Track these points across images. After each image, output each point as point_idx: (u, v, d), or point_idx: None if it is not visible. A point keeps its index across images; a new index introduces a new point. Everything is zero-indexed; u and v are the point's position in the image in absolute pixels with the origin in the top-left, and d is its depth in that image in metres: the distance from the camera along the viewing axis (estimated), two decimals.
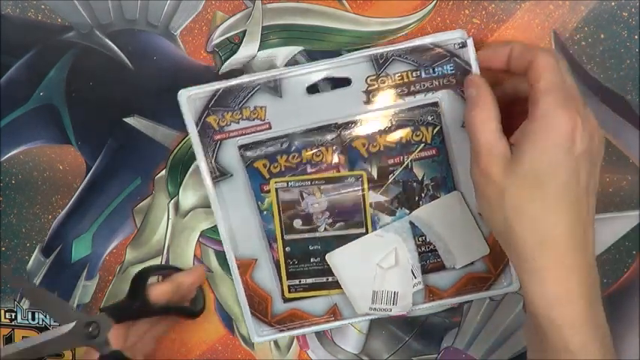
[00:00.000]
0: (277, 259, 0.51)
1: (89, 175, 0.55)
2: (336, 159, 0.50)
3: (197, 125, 0.49)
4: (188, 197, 0.54)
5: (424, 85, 0.48)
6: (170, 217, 0.55)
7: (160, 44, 0.53)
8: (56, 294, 0.56)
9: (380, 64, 0.48)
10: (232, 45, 0.52)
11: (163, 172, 0.54)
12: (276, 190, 0.50)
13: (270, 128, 0.49)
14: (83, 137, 0.55)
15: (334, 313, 0.52)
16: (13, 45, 0.53)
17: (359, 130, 0.49)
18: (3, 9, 0.53)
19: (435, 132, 0.49)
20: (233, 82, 0.49)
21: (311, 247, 0.51)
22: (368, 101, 0.49)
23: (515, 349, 0.55)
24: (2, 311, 0.57)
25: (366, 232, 0.50)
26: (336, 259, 0.50)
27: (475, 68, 0.47)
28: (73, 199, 0.55)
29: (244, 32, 0.52)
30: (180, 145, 0.54)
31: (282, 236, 0.51)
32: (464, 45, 0.47)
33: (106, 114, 0.54)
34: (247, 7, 0.52)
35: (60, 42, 0.53)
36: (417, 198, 0.50)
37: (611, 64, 0.51)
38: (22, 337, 0.57)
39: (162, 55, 0.53)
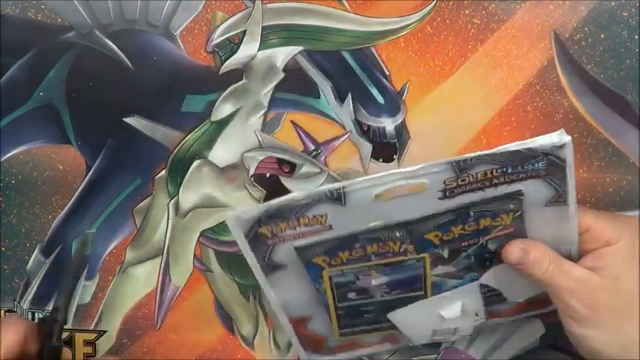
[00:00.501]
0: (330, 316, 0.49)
1: (89, 175, 0.55)
2: (403, 249, 0.45)
3: (247, 237, 0.44)
4: (188, 197, 0.54)
5: (508, 178, 0.43)
6: (170, 217, 0.55)
7: (160, 44, 0.53)
8: (56, 294, 0.56)
9: (461, 168, 0.42)
10: (232, 45, 0.52)
11: (163, 172, 0.54)
12: (330, 277, 0.46)
13: (330, 229, 0.44)
14: (83, 137, 0.55)
15: (389, 339, 0.52)
16: (13, 45, 0.53)
17: (431, 226, 0.44)
18: (3, 9, 0.53)
19: (515, 216, 0.44)
20: (287, 198, 0.42)
21: (364, 308, 0.49)
22: (444, 197, 0.43)
23: (515, 349, 0.55)
24: (2, 311, 0.57)
25: (425, 294, 0.48)
26: (399, 316, 0.49)
27: (570, 161, 0.42)
28: (73, 199, 0.55)
29: (244, 32, 0.52)
30: (181, 145, 0.54)
31: (335, 304, 0.48)
32: (564, 145, 0.41)
33: (106, 114, 0.54)
34: (247, 7, 0.52)
35: (60, 42, 0.53)
36: (487, 264, 0.47)
37: (611, 64, 0.51)
38: None
39: (162, 55, 0.53)
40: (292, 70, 0.52)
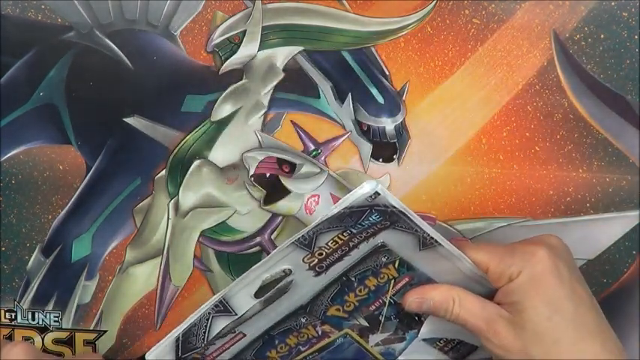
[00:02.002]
0: None
1: (89, 175, 0.55)
2: (320, 331, 0.48)
3: None
4: (188, 197, 0.54)
5: (361, 236, 0.43)
6: (170, 217, 0.55)
7: (159, 44, 0.53)
8: (56, 294, 0.56)
9: (306, 244, 0.43)
10: (232, 45, 0.52)
11: (163, 172, 0.54)
12: None
13: (244, 336, 0.47)
14: (83, 137, 0.55)
15: None
16: (13, 45, 0.53)
17: (325, 301, 0.46)
18: (3, 9, 0.53)
19: (396, 265, 0.45)
20: (185, 325, 0.45)
21: None
22: (317, 274, 0.44)
23: None
24: (2, 311, 0.57)
25: None
26: None
27: (398, 205, 0.41)
28: (73, 199, 0.55)
29: (244, 32, 0.52)
30: (180, 145, 0.54)
31: None
32: (377, 194, 0.41)
33: (106, 114, 0.54)
34: (247, 7, 0.52)
35: (60, 42, 0.53)
36: (416, 318, 0.48)
37: (611, 64, 0.51)
38: (22, 337, 0.56)
39: (162, 55, 0.53)
40: (292, 70, 0.52)
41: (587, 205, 0.52)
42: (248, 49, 0.52)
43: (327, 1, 0.51)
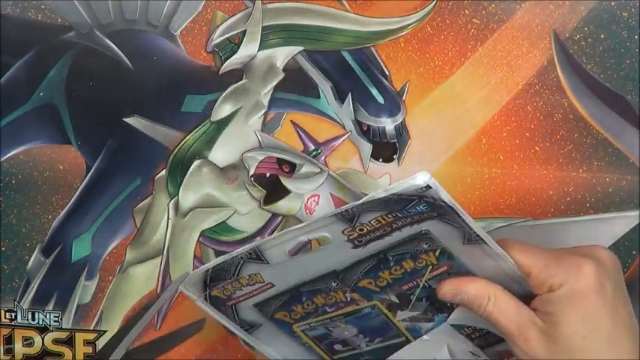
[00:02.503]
0: None
1: (89, 175, 0.55)
2: (349, 297, 0.47)
3: (207, 300, 0.47)
4: (188, 197, 0.54)
5: (406, 221, 0.43)
6: (170, 217, 0.55)
7: (159, 44, 0.53)
8: (56, 294, 0.56)
9: (349, 219, 0.42)
10: (232, 45, 0.52)
11: (163, 172, 0.54)
12: (303, 331, 0.48)
13: (273, 286, 0.46)
14: (83, 137, 0.55)
15: None
16: (13, 45, 0.53)
17: (359, 273, 0.46)
18: (3, 9, 0.53)
19: (437, 254, 0.44)
20: (217, 261, 0.45)
21: (362, 358, 0.50)
22: (355, 246, 0.44)
23: None
24: (2, 311, 0.57)
25: (407, 339, 0.49)
26: None
27: (449, 201, 0.40)
28: (73, 199, 0.55)
29: (244, 32, 0.52)
30: (180, 145, 0.54)
31: (331, 358, 0.50)
32: (429, 187, 0.39)
33: (106, 114, 0.54)
34: (247, 7, 0.52)
35: (60, 42, 0.53)
36: (448, 304, 0.47)
37: (611, 64, 0.51)
38: (22, 337, 0.57)
39: (162, 55, 0.53)
40: (292, 70, 0.52)
41: (587, 205, 0.52)
42: (248, 49, 0.52)
43: (327, 1, 0.51)
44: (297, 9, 0.51)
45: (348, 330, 0.48)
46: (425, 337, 0.48)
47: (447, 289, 0.44)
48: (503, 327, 0.43)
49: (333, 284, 0.46)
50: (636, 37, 0.50)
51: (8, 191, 0.55)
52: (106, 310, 0.56)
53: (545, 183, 0.52)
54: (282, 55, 0.52)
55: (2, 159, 0.55)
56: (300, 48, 0.52)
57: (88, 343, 0.57)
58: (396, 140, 0.53)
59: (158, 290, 0.56)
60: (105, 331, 0.56)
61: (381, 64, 0.52)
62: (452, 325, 0.48)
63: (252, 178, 0.53)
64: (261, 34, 0.52)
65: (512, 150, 0.53)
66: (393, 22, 0.51)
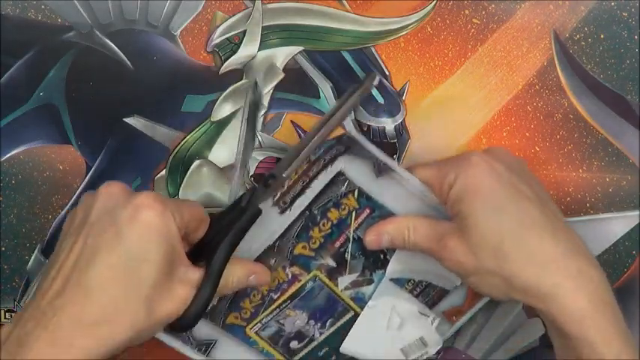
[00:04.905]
0: None
1: (89, 175, 0.55)
2: (289, 274, 0.49)
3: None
4: (188, 197, 0.54)
5: (319, 165, 0.47)
6: None
7: (160, 44, 0.53)
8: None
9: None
10: (232, 45, 0.52)
11: (163, 172, 0.54)
12: (256, 333, 0.50)
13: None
14: (83, 137, 0.55)
15: None
16: (13, 45, 0.53)
17: (291, 238, 0.48)
18: (3, 9, 0.53)
19: (356, 195, 0.48)
20: None
21: (320, 353, 0.51)
22: (282, 210, 0.48)
23: (515, 349, 0.55)
24: (2, 311, 0.57)
25: (355, 314, 0.50)
26: (350, 346, 0.50)
27: (360, 136, 0.46)
28: (73, 199, 0.55)
29: (244, 32, 0.52)
30: (181, 145, 0.54)
31: None
32: None
33: (106, 114, 0.54)
34: (247, 7, 0.52)
35: (60, 42, 0.53)
36: (382, 256, 0.49)
37: (611, 64, 0.51)
38: None
39: (162, 55, 0.53)
40: (292, 70, 0.52)
41: (587, 205, 0.52)
42: (248, 49, 0.52)
43: (327, 1, 0.51)
44: (297, 9, 0.51)
45: (299, 317, 0.50)
46: (370, 303, 0.50)
47: (370, 238, 0.46)
48: (426, 248, 0.44)
49: (272, 261, 0.48)
50: (636, 37, 0.50)
51: (8, 191, 0.55)
52: None
53: (545, 183, 0.52)
54: (282, 55, 0.52)
55: (2, 159, 0.55)
56: (300, 48, 0.52)
57: None
58: (396, 140, 0.53)
59: None
60: None
61: (381, 64, 0.52)
62: (391, 280, 0.49)
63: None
64: (261, 34, 0.52)
65: (512, 150, 0.53)
66: (393, 22, 0.51)
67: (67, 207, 0.55)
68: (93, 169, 0.55)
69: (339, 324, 0.51)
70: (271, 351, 0.50)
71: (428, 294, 0.50)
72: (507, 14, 0.51)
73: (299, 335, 0.50)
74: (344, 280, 0.49)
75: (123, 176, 0.55)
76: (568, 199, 0.53)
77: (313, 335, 0.50)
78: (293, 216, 0.48)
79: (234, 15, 0.52)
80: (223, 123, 0.53)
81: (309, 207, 0.48)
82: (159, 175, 0.55)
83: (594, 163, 0.52)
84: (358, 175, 0.46)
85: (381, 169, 0.46)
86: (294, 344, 0.51)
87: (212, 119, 0.53)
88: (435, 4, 0.51)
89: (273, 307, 0.50)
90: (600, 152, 0.52)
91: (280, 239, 0.48)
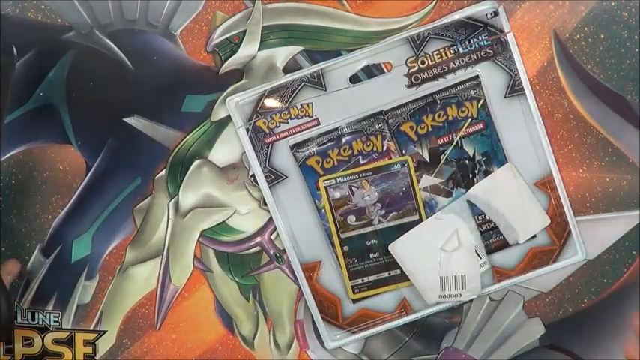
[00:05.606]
0: (338, 259, 0.52)
1: (89, 175, 0.55)
2: (385, 146, 0.50)
3: (247, 131, 0.50)
4: (188, 197, 0.54)
5: (463, 61, 0.49)
6: (170, 217, 0.55)
7: (160, 44, 0.53)
8: (56, 294, 0.56)
9: (418, 44, 0.49)
10: (232, 45, 0.52)
11: (163, 172, 0.54)
12: (326, 188, 0.50)
13: (318, 124, 0.50)
14: (83, 137, 0.55)
15: (405, 307, 0.52)
16: (13, 45, 0.53)
17: (405, 114, 0.50)
18: (3, 9, 0.53)
19: (479, 105, 0.50)
20: (278, 82, 0.50)
21: (368, 243, 0.51)
22: (411, 84, 0.50)
23: (515, 349, 0.55)
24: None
25: (420, 219, 0.50)
26: (399, 248, 0.50)
27: (509, 30, 0.49)
28: (73, 199, 0.55)
29: (244, 32, 0.52)
30: (181, 145, 0.54)
31: (339, 235, 0.51)
32: (496, 13, 0.49)
33: (106, 114, 0.54)
34: (247, 7, 0.52)
35: (60, 42, 0.53)
36: (470, 176, 0.50)
37: (611, 64, 0.51)
38: (22, 337, 0.57)
39: (162, 55, 0.53)
40: (292, 70, 0.52)
41: (587, 205, 0.52)
42: (248, 49, 0.52)
43: (327, 1, 0.51)
44: (297, 9, 0.52)
45: (370, 194, 0.50)
46: (438, 214, 0.51)
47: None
48: None
49: (377, 126, 0.50)
50: (636, 37, 0.50)
51: (8, 191, 0.56)
52: (106, 310, 0.56)
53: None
54: (282, 55, 0.52)
55: (2, 159, 0.55)
56: (300, 48, 0.52)
57: (88, 343, 0.57)
58: None
59: (158, 290, 0.56)
60: (105, 331, 0.56)
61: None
62: (468, 201, 0.50)
63: (252, 178, 0.53)
64: (261, 34, 0.52)
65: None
66: (393, 22, 0.51)
67: (67, 207, 0.55)
68: (93, 169, 0.55)
69: (400, 222, 0.51)
70: (328, 214, 0.51)
71: (489, 238, 0.51)
72: (507, 14, 0.51)
73: (360, 212, 0.51)
74: (427, 180, 0.50)
75: (123, 176, 0.55)
76: (568, 199, 0.53)
77: (372, 220, 0.51)
78: (417, 95, 0.50)
79: (234, 15, 0.52)
80: (223, 123, 0.53)
81: (434, 94, 0.50)
82: (159, 175, 0.55)
83: (594, 163, 0.52)
84: (490, 85, 0.49)
85: (513, 89, 0.49)
86: (351, 219, 0.51)
87: (212, 119, 0.53)
88: (435, 4, 0.51)
89: (354, 170, 0.50)
90: (600, 152, 0.52)
91: (394, 110, 0.50)
